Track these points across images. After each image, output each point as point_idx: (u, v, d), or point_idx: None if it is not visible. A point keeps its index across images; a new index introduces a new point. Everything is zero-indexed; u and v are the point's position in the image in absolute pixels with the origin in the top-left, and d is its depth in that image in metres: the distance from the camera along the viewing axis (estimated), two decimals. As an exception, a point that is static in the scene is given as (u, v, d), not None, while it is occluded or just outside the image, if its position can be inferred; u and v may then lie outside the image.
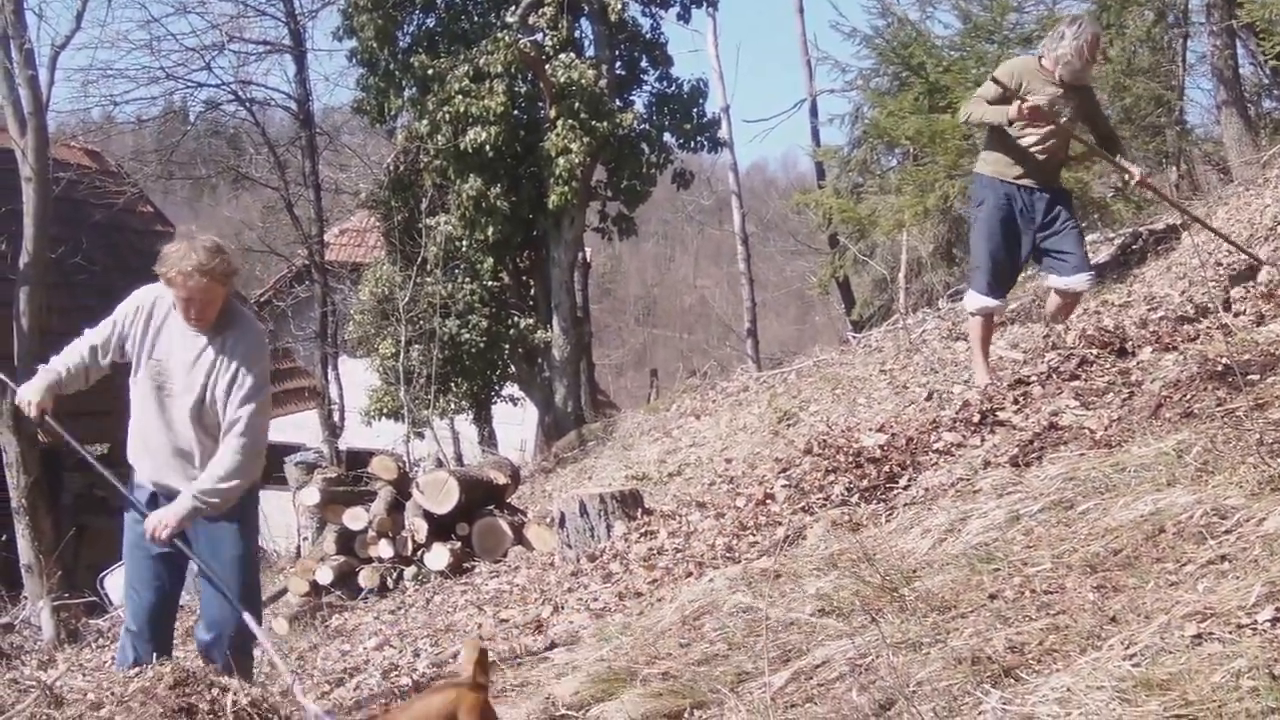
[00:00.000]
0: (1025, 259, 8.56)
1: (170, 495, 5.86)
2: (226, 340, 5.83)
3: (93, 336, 6.01)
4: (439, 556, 9.99)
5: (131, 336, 5.91)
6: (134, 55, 33.67)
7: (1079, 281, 8.16)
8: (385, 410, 20.60)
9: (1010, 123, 8.00)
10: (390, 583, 10.00)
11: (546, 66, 20.20)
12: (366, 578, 9.97)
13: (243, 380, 5.79)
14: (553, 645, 6.50)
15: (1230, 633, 3.28)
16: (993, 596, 4.19)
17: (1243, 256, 8.72)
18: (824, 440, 7.90)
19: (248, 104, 24.11)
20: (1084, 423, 6.16)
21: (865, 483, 6.99)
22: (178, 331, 5.83)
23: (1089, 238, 10.04)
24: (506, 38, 19.82)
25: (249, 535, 6.05)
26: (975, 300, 8.44)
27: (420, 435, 20.09)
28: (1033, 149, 8.11)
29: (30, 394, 5.84)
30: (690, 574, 6.98)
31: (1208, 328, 7.15)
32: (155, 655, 5.54)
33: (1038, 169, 8.15)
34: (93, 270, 19.64)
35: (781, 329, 48.97)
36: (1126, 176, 8.77)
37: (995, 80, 8.17)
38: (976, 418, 7.16)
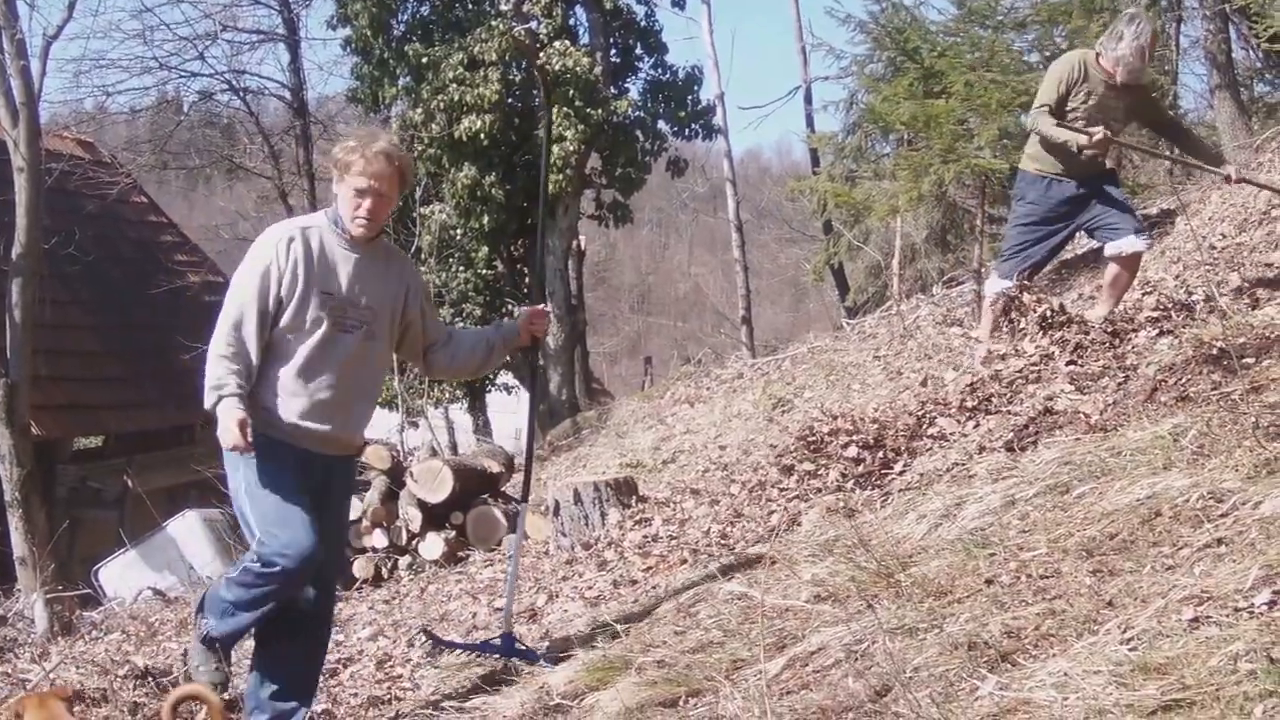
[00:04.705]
0: (1057, 251, 8.60)
1: (318, 442, 5.28)
2: (405, 271, 5.59)
3: (247, 320, 5.13)
4: (433, 546, 9.97)
5: (283, 277, 5.18)
6: (127, 45, 33.43)
7: (1133, 243, 8.07)
8: (379, 399, 20.58)
9: (1079, 151, 7.98)
10: (385, 572, 9.97)
11: (541, 54, 20.15)
12: (361, 568, 9.94)
13: (427, 290, 5.76)
14: (547, 634, 6.49)
15: (1227, 616, 3.26)
16: (989, 581, 4.17)
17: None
18: (818, 426, 7.89)
19: (241, 93, 24.13)
20: (1079, 407, 6.15)
21: (860, 469, 6.99)
22: (337, 263, 5.29)
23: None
24: (501, 26, 19.78)
25: None
26: (997, 285, 8.46)
27: (414, 424, 20.04)
28: (1084, 150, 8.09)
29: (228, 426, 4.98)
30: (685, 561, 6.98)
31: (1203, 311, 7.15)
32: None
33: (1083, 165, 8.12)
34: (86, 261, 19.60)
35: (776, 316, 48.97)
36: (1222, 177, 8.69)
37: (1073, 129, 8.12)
38: (971, 403, 7.15)
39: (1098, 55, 8.16)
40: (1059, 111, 8.09)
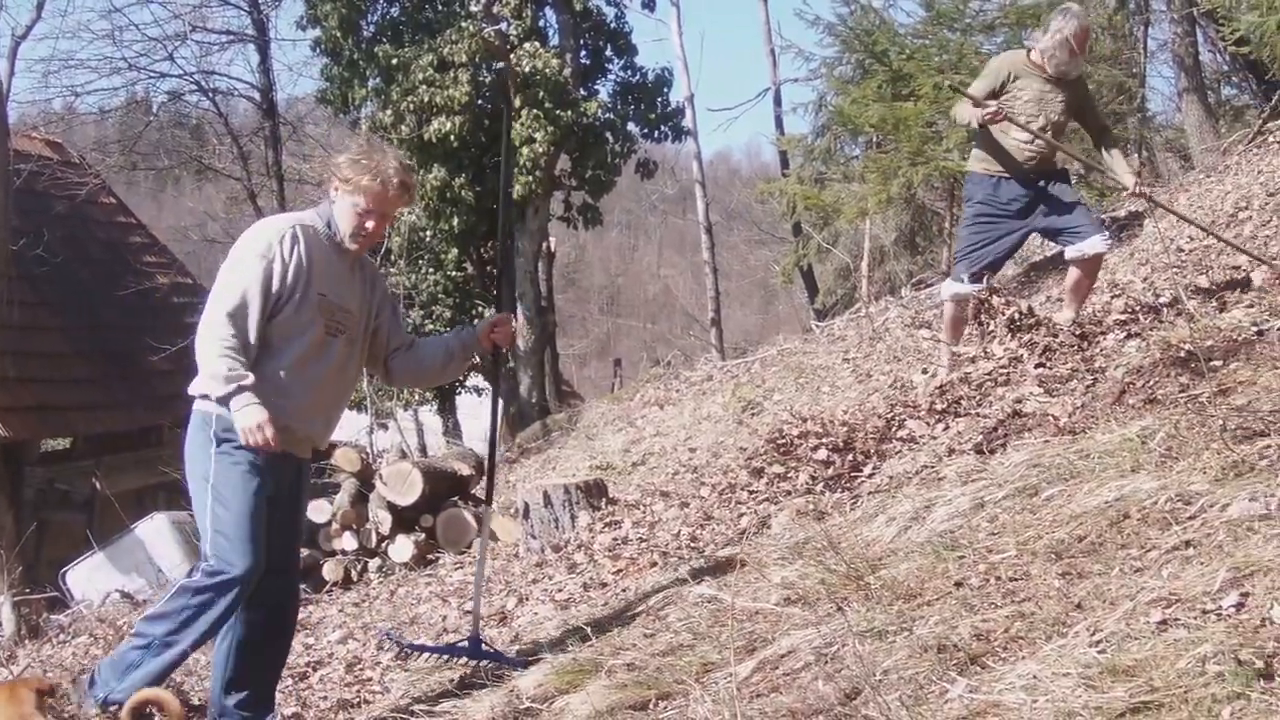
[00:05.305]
0: (1011, 253, 8.59)
1: (296, 443, 5.21)
2: (375, 275, 5.53)
3: (251, 309, 4.95)
4: (403, 548, 9.95)
5: (285, 272, 5.02)
6: (95, 45, 33.38)
7: (1095, 244, 8.07)
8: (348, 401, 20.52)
9: (980, 125, 8.00)
10: (354, 575, 9.95)
11: (511, 56, 20.12)
12: (330, 571, 9.91)
13: (394, 298, 5.70)
14: (517, 637, 6.48)
15: (1195, 618, 3.27)
16: (958, 584, 4.18)
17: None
18: (788, 429, 7.89)
19: (211, 94, 24.06)
20: (1048, 409, 6.17)
21: (829, 471, 7.00)
22: (329, 266, 5.16)
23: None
24: (471, 27, 19.73)
25: None
26: (950, 288, 8.48)
27: (384, 426, 20.02)
28: (1022, 146, 8.08)
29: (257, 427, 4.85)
30: (655, 564, 6.98)
31: (1171, 314, 7.18)
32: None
33: (1027, 164, 8.11)
34: (54, 262, 19.50)
35: (745, 318, 49.05)
36: (1122, 188, 8.75)
37: (959, 90, 8.15)
38: (940, 405, 7.16)
39: (1028, 51, 8.21)
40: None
